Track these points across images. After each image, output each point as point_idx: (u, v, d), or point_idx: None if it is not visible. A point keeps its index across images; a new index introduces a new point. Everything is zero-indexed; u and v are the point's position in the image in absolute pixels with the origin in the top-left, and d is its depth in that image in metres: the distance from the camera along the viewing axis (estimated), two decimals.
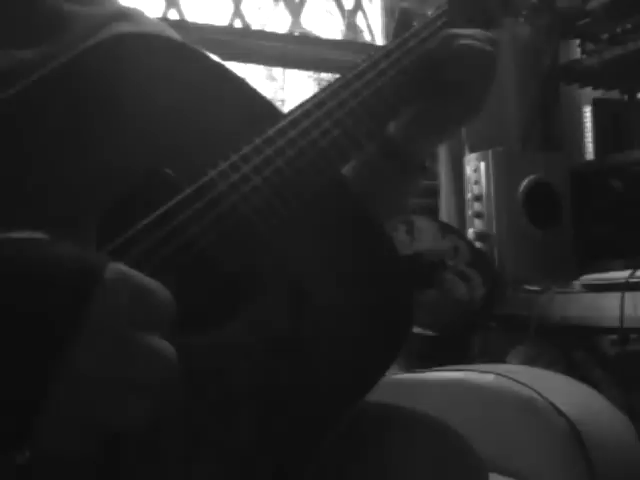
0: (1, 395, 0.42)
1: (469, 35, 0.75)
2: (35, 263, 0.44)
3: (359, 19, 2.09)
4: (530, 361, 1.54)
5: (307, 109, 0.64)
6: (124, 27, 0.70)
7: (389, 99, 0.70)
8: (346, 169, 0.73)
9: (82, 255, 0.46)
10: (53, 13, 0.67)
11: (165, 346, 0.46)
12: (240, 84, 0.63)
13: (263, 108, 0.64)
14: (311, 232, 0.62)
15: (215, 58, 0.63)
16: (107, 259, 0.46)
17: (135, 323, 0.45)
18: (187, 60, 0.61)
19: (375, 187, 0.77)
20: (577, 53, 1.93)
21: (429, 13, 0.79)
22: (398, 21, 0.77)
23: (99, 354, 0.44)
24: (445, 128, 0.81)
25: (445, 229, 1.71)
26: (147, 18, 0.77)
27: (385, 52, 0.73)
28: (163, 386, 0.46)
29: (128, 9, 0.74)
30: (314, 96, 0.66)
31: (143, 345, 0.45)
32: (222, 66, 0.62)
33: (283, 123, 0.62)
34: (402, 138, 0.77)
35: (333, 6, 2.06)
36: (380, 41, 2.07)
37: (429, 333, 1.61)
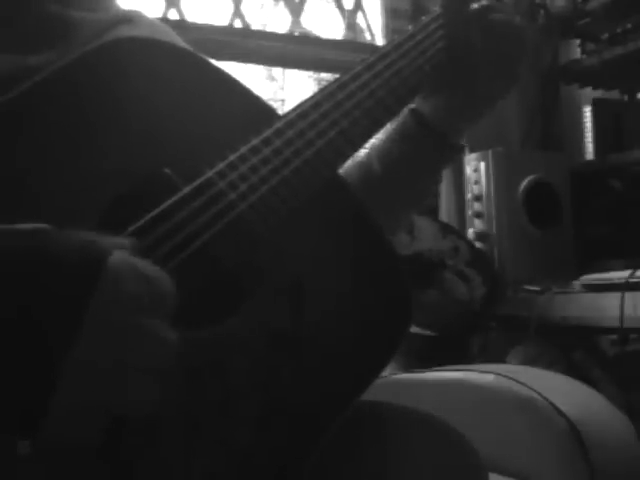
0: (7, 385, 0.42)
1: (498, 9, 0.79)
2: (39, 252, 0.45)
3: (359, 19, 2.09)
4: (530, 361, 1.54)
5: (304, 110, 0.65)
6: (125, 31, 0.70)
7: (384, 100, 0.71)
8: (383, 145, 0.78)
9: (86, 243, 0.46)
10: (58, 19, 0.67)
11: (169, 332, 0.47)
12: (238, 87, 0.63)
13: (261, 110, 0.65)
14: (310, 231, 0.63)
15: (213, 62, 0.63)
16: (111, 248, 0.47)
17: (139, 309, 0.46)
18: (184, 63, 0.62)
19: (410, 164, 0.80)
20: (577, 53, 1.92)
21: (423, 18, 0.80)
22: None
23: (103, 340, 0.44)
24: (478, 108, 0.83)
25: (445, 229, 1.71)
26: (150, 20, 0.78)
27: (381, 54, 0.74)
28: (167, 370, 0.47)
29: (131, 13, 0.75)
30: (311, 98, 0.67)
31: (147, 330, 0.46)
32: (220, 69, 0.63)
33: (280, 124, 0.63)
34: (437, 119, 0.80)
35: (333, 6, 2.06)
36: (380, 41, 2.07)
37: (429, 333, 1.61)
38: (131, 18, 0.74)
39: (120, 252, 0.47)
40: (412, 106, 0.80)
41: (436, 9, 0.80)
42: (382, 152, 0.81)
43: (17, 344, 0.43)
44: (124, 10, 0.76)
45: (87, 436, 0.45)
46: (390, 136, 0.81)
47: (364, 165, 0.82)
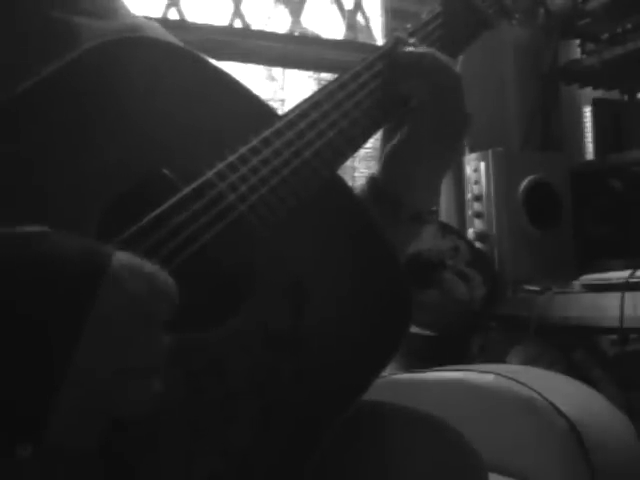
0: (8, 390, 0.42)
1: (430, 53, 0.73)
2: (41, 256, 0.44)
3: (359, 19, 2.09)
4: (530, 361, 1.54)
5: (303, 111, 0.65)
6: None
7: (382, 100, 0.71)
8: None
9: (88, 246, 0.46)
10: (61, 25, 0.67)
11: (162, 333, 0.47)
12: (238, 87, 0.63)
13: (261, 110, 0.64)
14: (310, 232, 0.63)
15: (213, 62, 0.63)
16: (113, 249, 0.47)
17: (141, 312, 0.46)
18: (184, 63, 0.61)
19: None
20: (577, 53, 1.93)
21: (423, 16, 0.79)
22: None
23: (104, 346, 0.44)
24: (427, 166, 0.76)
25: (445, 229, 1.71)
26: (159, 29, 0.77)
27: (380, 54, 0.74)
28: (161, 367, 0.47)
29: (141, 22, 0.74)
30: (310, 97, 0.67)
31: (150, 334, 0.46)
32: (220, 69, 0.63)
33: (279, 125, 0.63)
34: (390, 183, 0.75)
35: (333, 6, 2.06)
36: (380, 41, 2.07)
37: (429, 333, 1.61)
38: (139, 27, 0.73)
39: (123, 253, 0.47)
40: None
41: (436, 7, 0.80)
42: None
43: (18, 349, 0.43)
44: (133, 17, 0.74)
45: (87, 438, 0.45)
46: None
47: None
